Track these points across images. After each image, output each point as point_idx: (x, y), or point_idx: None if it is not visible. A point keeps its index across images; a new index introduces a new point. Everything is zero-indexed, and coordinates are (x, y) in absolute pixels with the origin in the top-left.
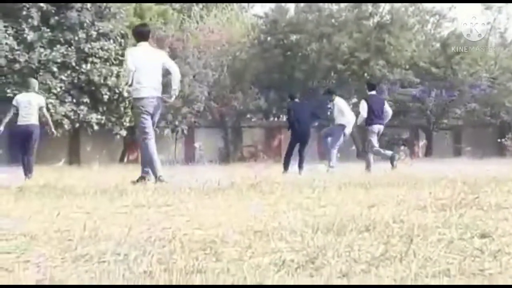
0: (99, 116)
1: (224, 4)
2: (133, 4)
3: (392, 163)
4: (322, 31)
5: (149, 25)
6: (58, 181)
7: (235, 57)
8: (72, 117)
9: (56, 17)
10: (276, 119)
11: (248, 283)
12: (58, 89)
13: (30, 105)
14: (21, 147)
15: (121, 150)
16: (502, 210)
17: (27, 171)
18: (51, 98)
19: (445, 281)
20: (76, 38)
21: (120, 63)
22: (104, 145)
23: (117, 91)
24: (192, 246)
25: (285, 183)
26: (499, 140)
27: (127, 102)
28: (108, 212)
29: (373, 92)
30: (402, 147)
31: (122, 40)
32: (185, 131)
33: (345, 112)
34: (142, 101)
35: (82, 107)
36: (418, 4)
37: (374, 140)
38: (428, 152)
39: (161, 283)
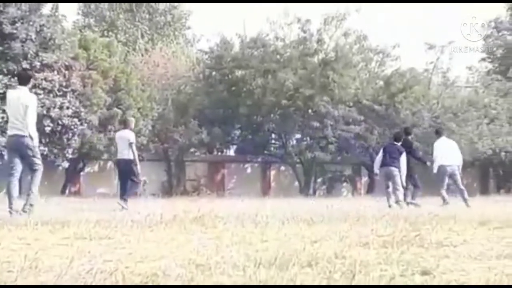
0: (41, 147)
1: (170, 37)
2: (78, 36)
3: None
4: (267, 67)
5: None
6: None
7: (180, 91)
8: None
9: (0, 47)
10: (219, 153)
11: None
12: (0, 120)
13: None
14: None
15: (63, 182)
16: (443, 247)
17: None
18: None
19: None
20: (20, 68)
21: (64, 95)
22: (46, 177)
23: (60, 122)
24: (134, 279)
25: (228, 218)
26: None
27: (70, 134)
28: (49, 243)
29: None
30: (345, 184)
31: (66, 72)
32: None
33: None
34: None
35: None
36: (363, 42)
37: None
38: (370, 189)
39: None
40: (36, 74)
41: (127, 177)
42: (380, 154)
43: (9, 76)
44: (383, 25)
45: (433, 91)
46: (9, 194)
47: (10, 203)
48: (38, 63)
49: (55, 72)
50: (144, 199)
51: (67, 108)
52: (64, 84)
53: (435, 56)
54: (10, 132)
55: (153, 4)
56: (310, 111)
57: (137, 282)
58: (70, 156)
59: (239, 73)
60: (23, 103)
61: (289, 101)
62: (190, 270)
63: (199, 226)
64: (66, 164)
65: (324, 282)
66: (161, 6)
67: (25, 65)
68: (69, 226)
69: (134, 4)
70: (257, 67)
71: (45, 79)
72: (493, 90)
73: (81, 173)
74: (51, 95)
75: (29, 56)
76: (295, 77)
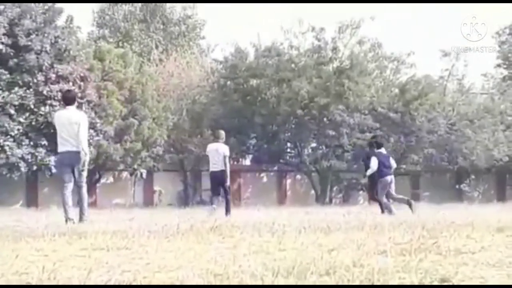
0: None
1: (184, 47)
2: (93, 47)
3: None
4: (282, 76)
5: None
6: (16, 223)
7: (195, 101)
8: (30, 160)
9: (15, 60)
10: (235, 162)
11: None
12: (16, 132)
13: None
14: None
15: None
16: (461, 255)
17: None
18: (8, 141)
19: None
20: (35, 80)
21: (79, 106)
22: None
23: None
24: None
25: (244, 227)
26: (457, 186)
27: None
28: (67, 254)
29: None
30: (361, 192)
31: (82, 83)
32: (144, 175)
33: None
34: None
35: (40, 149)
36: (377, 50)
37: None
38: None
39: None
40: (51, 86)
41: (223, 187)
42: (375, 161)
43: (25, 88)
44: (397, 32)
45: (448, 98)
46: (64, 205)
47: (66, 211)
48: (53, 75)
49: (71, 84)
50: (161, 209)
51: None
52: (79, 95)
53: (450, 63)
54: (62, 148)
55: (167, 14)
56: (325, 119)
57: None
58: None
59: (253, 82)
60: (76, 122)
61: (304, 110)
62: (208, 280)
63: (216, 236)
64: None
65: None
66: (175, 16)
67: (40, 77)
68: (86, 237)
69: (148, 15)
70: (272, 76)
71: (61, 90)
72: (509, 97)
73: (97, 184)
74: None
75: (44, 67)
76: (310, 86)
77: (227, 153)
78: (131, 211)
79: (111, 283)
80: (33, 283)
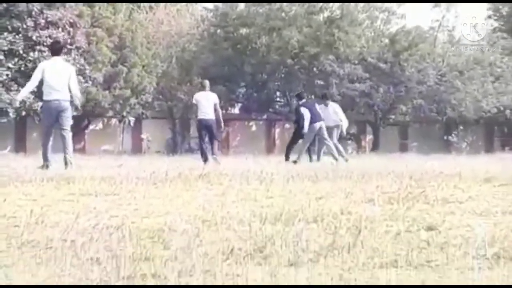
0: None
1: None
2: None
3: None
4: (272, 25)
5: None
6: (4, 168)
7: (184, 49)
8: (19, 105)
9: (4, 5)
10: (224, 111)
11: (197, 270)
12: (5, 77)
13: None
14: None
15: None
16: (448, 204)
17: None
18: None
19: (392, 272)
20: (24, 26)
21: (69, 52)
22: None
23: None
24: (140, 234)
25: (233, 175)
26: (445, 136)
27: None
28: (55, 199)
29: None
30: (349, 141)
31: (71, 29)
32: (132, 122)
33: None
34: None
35: (28, 95)
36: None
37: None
38: (374, 147)
39: (108, 269)
40: (41, 32)
41: (212, 136)
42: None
43: (14, 34)
44: None
45: (438, 49)
46: (44, 150)
47: (45, 155)
48: (43, 21)
49: (60, 30)
50: (149, 156)
51: (72, 65)
52: (68, 41)
53: (441, 14)
54: (48, 97)
55: None
56: (315, 69)
57: (143, 237)
58: (75, 113)
59: (243, 31)
60: (65, 72)
61: (294, 60)
62: (196, 225)
63: (205, 183)
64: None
65: (329, 238)
66: None
67: (29, 22)
68: (74, 183)
69: None
70: (262, 25)
71: (50, 36)
72: (499, 48)
73: (86, 131)
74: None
75: (33, 13)
76: (300, 35)
77: (217, 100)
78: (120, 157)
79: (99, 227)
80: (21, 226)
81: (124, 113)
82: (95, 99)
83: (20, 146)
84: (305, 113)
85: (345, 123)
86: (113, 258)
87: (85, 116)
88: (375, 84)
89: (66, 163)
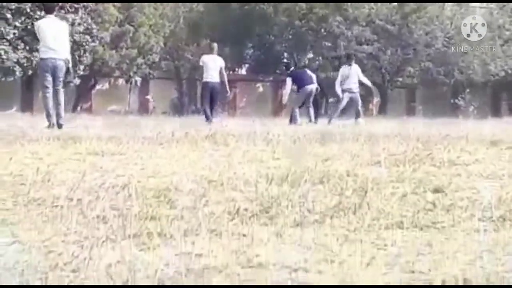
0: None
1: None
2: None
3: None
4: None
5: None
6: (10, 127)
7: (192, 9)
8: (25, 64)
9: None
10: (231, 72)
11: (203, 229)
12: (11, 36)
13: None
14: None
15: (74, 99)
16: (455, 166)
17: None
18: (4, 45)
19: (398, 233)
20: None
21: (76, 11)
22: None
23: (71, 39)
24: (146, 194)
25: (239, 136)
26: (452, 100)
27: (81, 51)
28: (61, 158)
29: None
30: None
31: None
32: (139, 83)
33: None
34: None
35: (35, 54)
36: None
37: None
38: (382, 110)
39: (114, 227)
40: None
41: (216, 98)
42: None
43: None
44: None
45: (447, 11)
46: (48, 109)
47: (49, 116)
48: None
49: None
50: (155, 116)
51: (79, 24)
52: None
53: None
54: (45, 55)
55: None
56: (323, 31)
57: (149, 196)
58: (82, 73)
59: None
60: (60, 30)
61: (301, 21)
62: (202, 185)
63: (211, 144)
64: (77, 81)
65: (336, 199)
66: None
67: None
68: (80, 142)
69: None
70: None
71: None
72: (508, 12)
73: (92, 91)
74: (63, 11)
75: None
76: None
77: (223, 64)
78: (126, 117)
79: (106, 186)
80: (27, 184)
81: (131, 73)
82: (102, 58)
83: (26, 105)
84: (288, 82)
85: (368, 83)
86: (119, 216)
87: (92, 75)
88: (383, 46)
89: (59, 126)
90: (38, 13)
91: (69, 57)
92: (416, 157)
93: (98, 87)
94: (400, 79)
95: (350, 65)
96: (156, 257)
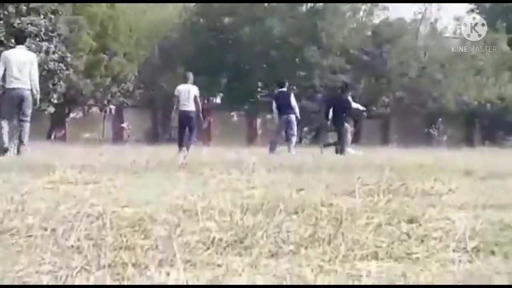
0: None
1: None
2: None
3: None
4: (255, 14)
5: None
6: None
7: (167, 38)
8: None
9: None
10: (205, 101)
11: (177, 259)
12: None
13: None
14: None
15: (48, 127)
16: (428, 196)
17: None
18: None
19: (373, 264)
20: (6, 12)
21: (50, 39)
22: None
23: (46, 67)
24: (121, 223)
25: (214, 164)
26: (426, 129)
27: (55, 79)
28: (35, 187)
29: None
30: (331, 133)
31: (53, 16)
32: (113, 111)
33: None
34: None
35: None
36: None
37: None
38: (355, 138)
39: (89, 258)
40: (22, 18)
41: (190, 127)
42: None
43: None
44: None
45: (420, 42)
46: (1, 138)
47: (3, 143)
48: (25, 7)
49: (41, 17)
50: (130, 145)
51: (53, 53)
52: (50, 28)
53: (424, 7)
54: (11, 85)
55: None
56: (297, 60)
57: (123, 226)
58: (56, 101)
59: (226, 20)
60: (28, 61)
61: (277, 51)
62: (177, 215)
63: (185, 173)
64: (51, 109)
65: (310, 229)
66: None
67: (11, 9)
68: (54, 171)
69: None
70: (245, 14)
71: (31, 23)
72: (480, 42)
73: (67, 119)
74: (37, 39)
75: None
76: (283, 26)
77: (198, 93)
78: (101, 146)
79: (80, 216)
80: (1, 214)
81: (105, 102)
82: (76, 87)
83: None
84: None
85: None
86: (94, 246)
87: (66, 104)
88: (357, 75)
89: (18, 151)
90: (12, 40)
91: (38, 87)
92: (390, 187)
93: (72, 115)
94: (374, 108)
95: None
96: None
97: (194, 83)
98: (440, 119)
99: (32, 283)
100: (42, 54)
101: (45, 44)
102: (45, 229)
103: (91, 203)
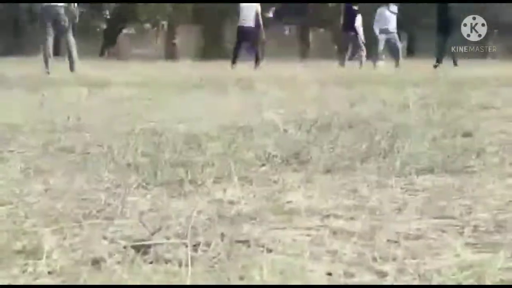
0: (79, 9)
1: None
2: None
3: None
4: None
5: None
6: (38, 72)
7: None
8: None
9: None
10: None
11: (234, 176)
12: None
13: None
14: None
15: (101, 44)
16: (484, 110)
17: None
18: None
19: (428, 178)
20: None
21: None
22: (84, 38)
23: None
24: (176, 140)
25: (267, 80)
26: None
27: None
28: (91, 104)
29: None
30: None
31: None
32: (165, 27)
33: None
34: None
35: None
36: None
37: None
38: (410, 52)
39: (146, 174)
40: None
41: (252, 43)
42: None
43: None
44: None
45: None
46: (47, 57)
47: (47, 63)
48: None
49: None
50: (183, 62)
51: None
52: None
53: None
54: (44, 3)
55: None
56: None
57: (179, 142)
58: (108, 17)
59: None
60: None
61: None
62: (231, 132)
63: (239, 89)
64: (104, 25)
65: (365, 144)
66: None
67: None
68: (109, 88)
69: None
70: None
71: None
72: None
73: (119, 35)
74: None
75: None
76: None
77: (259, 10)
78: (153, 62)
79: (135, 132)
80: (58, 131)
81: (157, 17)
82: (128, 2)
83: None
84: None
85: None
86: (151, 163)
87: (119, 20)
88: None
89: (71, 68)
90: None
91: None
92: (445, 100)
93: (124, 31)
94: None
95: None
96: (188, 204)
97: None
98: (495, 31)
99: (90, 200)
100: None
101: None
102: (101, 146)
103: (146, 119)
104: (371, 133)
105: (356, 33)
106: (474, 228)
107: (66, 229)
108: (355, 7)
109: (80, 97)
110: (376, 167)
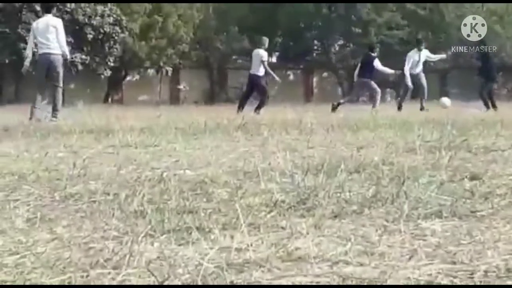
0: (83, 56)
1: None
2: None
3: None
4: None
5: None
6: (43, 120)
7: None
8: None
9: None
10: None
11: (241, 223)
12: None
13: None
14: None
15: (105, 91)
16: (491, 152)
17: None
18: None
19: (437, 223)
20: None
21: (105, 2)
22: (88, 85)
23: (101, 30)
24: (182, 187)
25: (272, 125)
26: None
27: (111, 42)
28: (95, 151)
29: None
30: (388, 89)
31: None
32: (169, 72)
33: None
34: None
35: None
36: None
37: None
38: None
39: (153, 222)
40: None
41: (254, 91)
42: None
43: None
44: None
45: None
46: (34, 105)
47: (32, 112)
48: None
49: None
50: (187, 107)
51: (108, 16)
52: None
53: None
54: (41, 51)
55: None
56: (353, 17)
57: (185, 189)
58: (112, 65)
59: None
60: (53, 25)
61: (329, 10)
62: (237, 177)
63: (244, 134)
64: (108, 73)
65: (372, 189)
66: None
67: None
68: (113, 135)
69: None
70: None
71: None
72: None
73: (123, 82)
74: (92, 3)
75: None
76: None
77: (265, 58)
78: (158, 108)
79: (142, 180)
80: (64, 180)
81: (161, 63)
82: (131, 49)
83: None
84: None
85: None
86: (157, 210)
87: (122, 67)
88: (414, 30)
89: (53, 116)
90: (68, 5)
91: (66, 50)
92: (451, 144)
93: (128, 78)
94: (432, 63)
95: (420, 50)
96: (196, 252)
97: (250, 41)
98: (500, 73)
99: (97, 249)
100: (98, 18)
101: (100, 8)
102: (108, 194)
103: (152, 166)
104: (378, 177)
105: (370, 78)
106: (484, 273)
107: (74, 279)
108: (374, 54)
109: (85, 144)
110: (384, 212)
